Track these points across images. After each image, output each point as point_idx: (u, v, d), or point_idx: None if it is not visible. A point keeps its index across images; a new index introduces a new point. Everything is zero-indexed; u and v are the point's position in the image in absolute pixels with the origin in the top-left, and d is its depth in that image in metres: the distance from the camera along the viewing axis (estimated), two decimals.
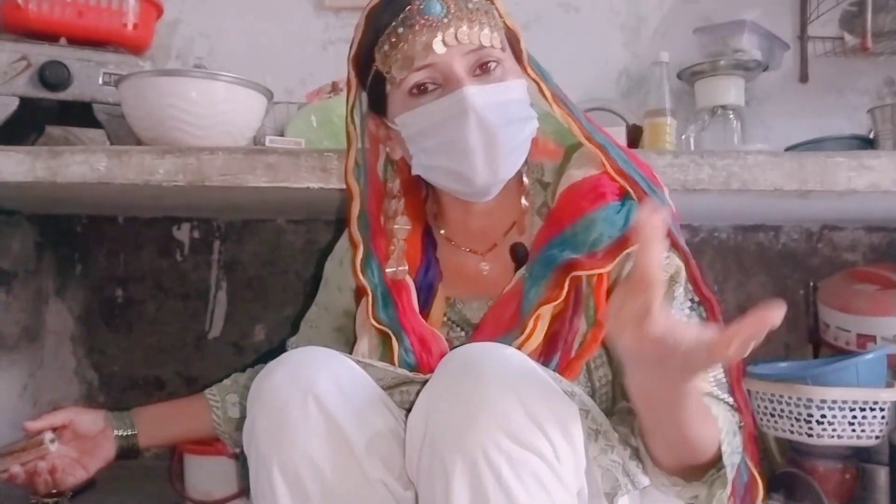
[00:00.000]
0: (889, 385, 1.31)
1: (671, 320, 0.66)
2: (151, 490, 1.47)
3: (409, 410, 0.84)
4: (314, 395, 0.81)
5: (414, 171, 0.96)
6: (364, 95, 0.99)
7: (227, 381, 1.19)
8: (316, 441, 0.80)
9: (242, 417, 1.11)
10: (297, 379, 0.82)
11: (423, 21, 0.88)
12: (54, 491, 1.10)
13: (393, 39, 0.90)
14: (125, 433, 1.12)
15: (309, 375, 0.82)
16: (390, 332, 0.94)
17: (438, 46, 0.88)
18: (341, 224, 1.12)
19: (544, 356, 0.88)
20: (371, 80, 0.95)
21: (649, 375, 0.72)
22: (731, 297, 1.68)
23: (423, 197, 1.05)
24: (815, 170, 1.18)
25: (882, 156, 1.20)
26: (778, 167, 1.18)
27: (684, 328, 0.67)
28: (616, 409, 0.93)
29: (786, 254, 1.70)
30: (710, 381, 0.89)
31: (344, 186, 1.05)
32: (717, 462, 0.83)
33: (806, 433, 1.29)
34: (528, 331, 0.88)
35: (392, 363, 0.91)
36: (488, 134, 0.88)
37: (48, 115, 1.44)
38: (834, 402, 1.26)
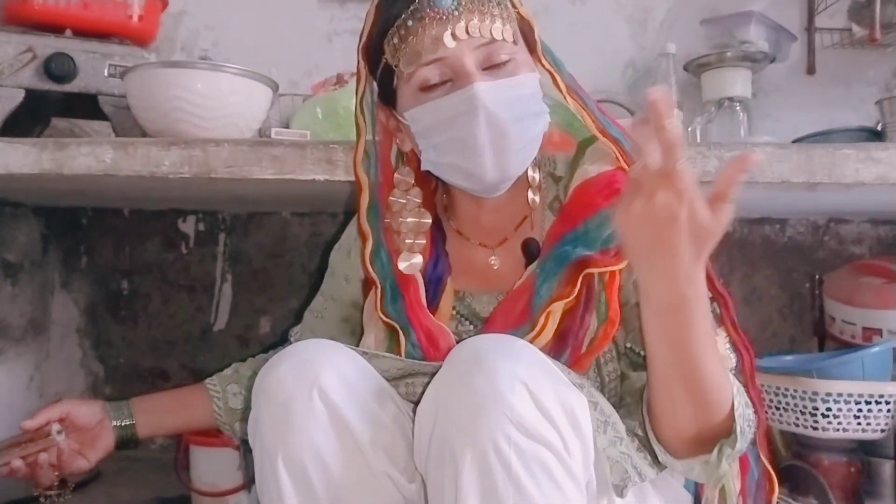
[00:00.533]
0: (895, 378, 1.30)
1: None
2: (157, 481, 1.47)
3: (414, 402, 0.84)
4: (319, 388, 0.80)
5: (423, 167, 0.95)
6: (374, 85, 0.98)
7: (227, 371, 1.18)
8: (321, 434, 0.80)
9: (244, 408, 1.12)
10: (302, 372, 0.82)
11: (433, 13, 0.87)
12: (57, 483, 1.10)
13: (402, 32, 0.88)
14: (123, 423, 1.12)
15: (314, 368, 0.82)
16: (397, 326, 0.93)
17: (448, 40, 0.86)
18: (347, 217, 1.12)
19: (554, 352, 0.87)
20: (381, 72, 0.94)
21: (659, 261, 0.72)
22: (737, 289, 1.68)
23: (432, 188, 1.04)
24: (823, 162, 1.18)
25: (890, 148, 1.20)
26: (786, 159, 1.18)
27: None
28: (623, 403, 0.93)
29: (792, 246, 1.70)
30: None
31: (351, 178, 1.04)
32: (728, 434, 0.81)
33: (811, 426, 1.29)
34: (538, 327, 0.87)
35: None
36: (498, 131, 0.87)
37: (54, 107, 1.43)
38: (839, 395, 1.26)
